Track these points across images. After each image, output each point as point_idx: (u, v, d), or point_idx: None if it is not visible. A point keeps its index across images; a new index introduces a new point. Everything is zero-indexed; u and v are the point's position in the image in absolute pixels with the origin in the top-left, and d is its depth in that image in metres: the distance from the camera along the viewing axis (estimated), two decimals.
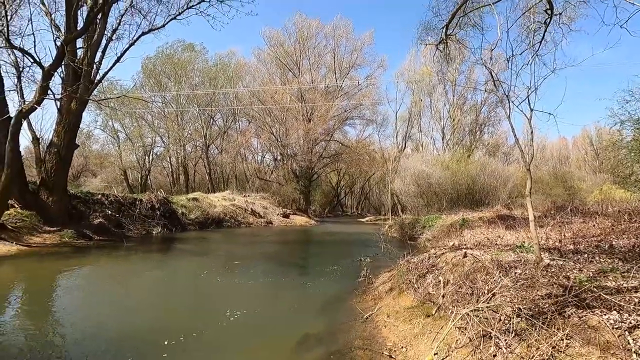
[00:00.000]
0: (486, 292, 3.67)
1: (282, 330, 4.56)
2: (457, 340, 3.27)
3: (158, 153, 36.06)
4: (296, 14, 35.09)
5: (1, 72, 10.44)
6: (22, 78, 10.68)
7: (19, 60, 10.61)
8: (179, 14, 13.30)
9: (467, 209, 15.32)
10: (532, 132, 4.59)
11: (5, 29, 9.63)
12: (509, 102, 4.41)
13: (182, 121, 33.71)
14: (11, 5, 10.08)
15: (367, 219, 32.17)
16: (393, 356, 3.56)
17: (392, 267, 7.29)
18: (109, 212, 13.91)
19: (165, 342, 3.91)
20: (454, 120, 29.68)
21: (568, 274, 3.72)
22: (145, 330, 4.45)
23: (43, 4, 11.68)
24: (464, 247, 6.24)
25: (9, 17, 9.67)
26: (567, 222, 7.61)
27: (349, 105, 34.82)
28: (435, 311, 4.07)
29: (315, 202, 39.79)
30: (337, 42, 33.99)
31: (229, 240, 15.17)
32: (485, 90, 25.04)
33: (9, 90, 10.73)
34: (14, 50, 9.95)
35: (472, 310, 3.31)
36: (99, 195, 14.84)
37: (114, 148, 34.05)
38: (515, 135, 4.68)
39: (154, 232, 14.66)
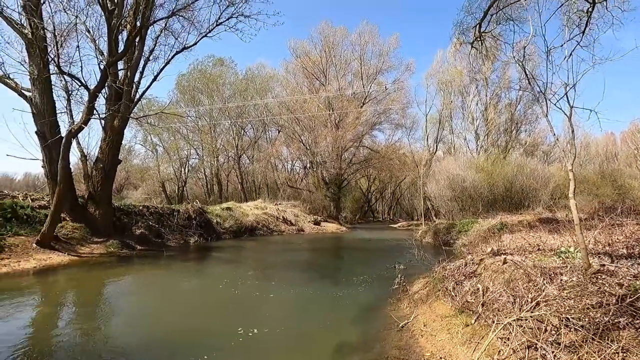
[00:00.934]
0: (529, 300, 3.49)
1: (317, 338, 4.56)
2: (499, 351, 3.12)
3: (193, 165, 37.59)
4: (322, 22, 35.47)
5: (54, 96, 11.34)
6: (71, 100, 11.60)
7: (68, 84, 11.51)
8: (209, 31, 13.94)
9: (505, 212, 14.64)
10: (572, 130, 4.33)
11: (57, 57, 10.52)
12: (545, 100, 4.20)
13: (215, 133, 34.96)
14: (62, 36, 11.00)
15: (399, 224, 31.56)
16: None
17: (427, 274, 7.10)
18: (150, 222, 14.62)
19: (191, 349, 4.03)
20: (487, 120, 28.61)
21: (621, 280, 3.46)
22: (184, 334, 4.61)
23: (88, 31, 12.63)
24: (504, 252, 5.96)
25: (59, 47, 10.56)
26: (618, 224, 7.06)
27: (377, 110, 34.59)
28: (475, 320, 3.91)
29: (346, 208, 39.62)
30: (363, 48, 34.00)
31: (262, 248, 15.44)
32: (520, 89, 24.03)
33: (61, 113, 11.64)
34: (64, 75, 10.82)
35: (515, 320, 3.15)
36: (140, 207, 15.64)
37: (153, 161, 35.89)
38: (554, 134, 4.44)
39: (191, 241, 15.21)
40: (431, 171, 26.05)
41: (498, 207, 16.46)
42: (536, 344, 2.86)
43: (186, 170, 36.57)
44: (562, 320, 2.92)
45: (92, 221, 12.27)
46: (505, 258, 5.03)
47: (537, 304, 3.39)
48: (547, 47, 4.58)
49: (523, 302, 3.52)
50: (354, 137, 32.55)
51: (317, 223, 25.16)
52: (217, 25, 13.99)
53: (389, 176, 40.76)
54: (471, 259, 5.88)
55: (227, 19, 13.96)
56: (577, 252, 4.96)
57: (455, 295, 4.79)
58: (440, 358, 3.56)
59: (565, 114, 4.14)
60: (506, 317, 3.37)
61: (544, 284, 3.67)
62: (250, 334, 4.54)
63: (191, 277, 9.04)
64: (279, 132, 37.22)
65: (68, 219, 11.65)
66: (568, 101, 4.16)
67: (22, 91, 11.03)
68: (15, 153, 15.82)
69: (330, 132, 30.92)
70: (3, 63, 10.77)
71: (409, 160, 36.89)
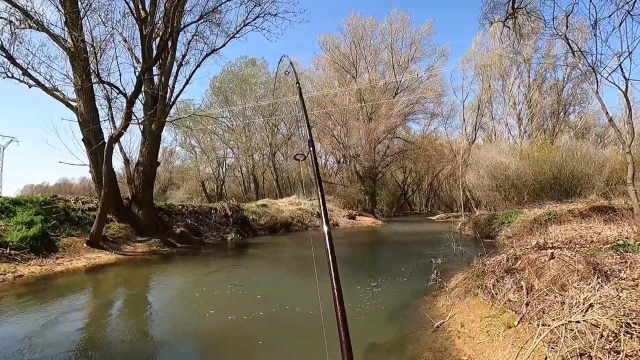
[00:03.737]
0: (581, 301, 3.11)
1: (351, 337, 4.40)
2: (546, 358, 2.80)
3: (230, 164, 38.75)
4: (350, 14, 34.92)
5: (96, 104, 12.04)
6: (112, 108, 12.24)
7: (108, 92, 12.15)
8: (237, 32, 14.13)
9: (553, 201, 13.55)
10: (629, 106, 3.80)
11: (97, 68, 11.14)
12: (595, 75, 3.71)
13: (249, 132, 35.72)
14: (100, 47, 11.63)
15: (437, 216, 30.52)
16: None
17: (466, 269, 6.71)
18: (189, 221, 15.20)
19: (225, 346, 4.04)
20: (531, 103, 26.68)
21: None
22: (227, 330, 4.67)
23: (125, 41, 13.27)
24: (551, 246, 5.45)
25: (98, 57, 11.17)
26: None
27: (411, 100, 33.51)
28: (518, 322, 3.57)
29: (381, 201, 38.96)
30: (393, 37, 33.07)
31: (297, 243, 15.53)
32: (567, 65, 22.12)
33: (103, 120, 12.35)
34: (104, 84, 11.43)
35: (564, 324, 2.81)
36: (180, 207, 16.31)
37: (192, 162, 37.43)
38: (607, 113, 3.94)
39: (228, 238, 15.64)
40: (470, 160, 24.83)
41: (545, 196, 15.30)
42: (589, 352, 2.52)
43: (223, 170, 37.79)
44: (622, 326, 2.55)
45: (136, 221, 12.95)
46: (552, 253, 4.57)
47: (591, 305, 3.00)
48: (595, 18, 4.06)
49: (574, 303, 3.14)
50: (387, 128, 31.84)
51: (352, 217, 24.96)
52: (244, 25, 14.16)
53: (426, 167, 39.53)
54: (514, 253, 5.43)
55: (254, 19, 14.09)
56: (638, 245, 4.41)
57: (496, 294, 4.43)
58: None
59: (620, 89, 3.64)
60: (554, 320, 3.03)
61: (599, 283, 3.26)
62: (286, 330, 4.49)
63: (228, 272, 9.28)
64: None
65: (114, 219, 12.37)
66: (623, 73, 3.65)
67: (69, 102, 11.80)
68: (67, 160, 17.11)
69: (363, 125, 30.45)
70: (52, 77, 11.59)
71: (447, 150, 35.50)
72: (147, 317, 5.59)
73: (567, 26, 3.92)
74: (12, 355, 3.92)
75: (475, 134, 32.72)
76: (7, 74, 11.13)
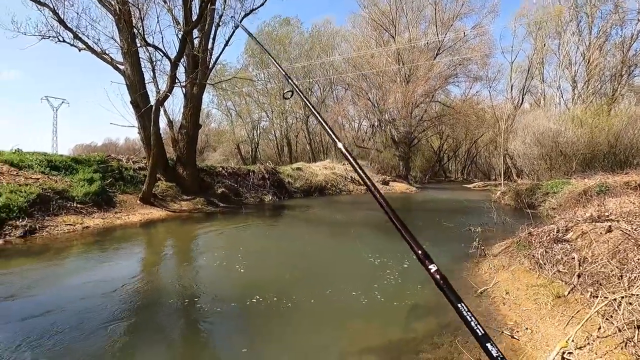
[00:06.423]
0: None
1: (390, 297, 4.60)
2: (599, 329, 2.82)
3: (264, 127, 39.14)
4: None
5: (142, 68, 12.40)
6: (155, 71, 12.56)
7: (152, 55, 12.43)
8: None
9: (606, 171, 12.72)
10: None
11: (141, 29, 11.35)
12: None
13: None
14: (143, 7, 11.75)
15: (474, 184, 29.64)
16: (516, 337, 3.29)
17: (509, 238, 6.63)
18: (229, 182, 15.85)
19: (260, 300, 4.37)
20: (590, 63, 24.25)
21: None
22: (261, 283, 5.04)
23: (165, 1, 13.29)
24: (605, 217, 5.22)
25: (142, 19, 11.34)
26: None
27: (453, 61, 31.47)
28: (569, 292, 3.57)
29: (416, 168, 38.25)
30: None
31: (332, 206, 15.87)
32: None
33: (148, 83, 12.74)
34: (148, 47, 11.67)
35: (623, 297, 2.79)
36: (219, 168, 16.96)
37: (228, 125, 38.19)
38: None
39: (265, 200, 16.23)
40: (514, 126, 23.47)
41: (597, 166, 14.36)
42: None
43: (258, 132, 38.31)
44: None
45: (181, 181, 13.69)
46: (610, 225, 4.41)
47: None
48: None
49: (633, 277, 3.08)
50: (426, 91, 30.39)
51: (385, 183, 24.85)
52: None
53: (464, 133, 37.83)
54: (565, 224, 5.28)
55: None
56: None
57: (544, 264, 4.40)
58: (526, 329, 3.36)
59: None
60: (611, 293, 3.00)
61: None
62: (328, 292, 4.77)
63: (269, 231, 9.85)
64: (345, 91, 36.43)
65: (162, 179, 13.14)
66: None
67: (117, 65, 12.24)
68: (117, 122, 18.05)
69: (400, 88, 29.24)
70: (99, 40, 11.99)
71: (489, 116, 33.59)
72: (192, 267, 6.13)
73: None
74: (91, 289, 4.49)
75: (522, 98, 30.61)
76: (58, 38, 11.65)
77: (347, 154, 1.41)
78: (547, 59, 28.12)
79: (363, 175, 1.31)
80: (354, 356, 3.24)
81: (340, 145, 1.45)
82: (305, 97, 1.84)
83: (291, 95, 2.01)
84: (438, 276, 0.96)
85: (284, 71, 2.11)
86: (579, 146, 15.65)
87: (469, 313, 0.87)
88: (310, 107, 1.70)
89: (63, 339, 3.35)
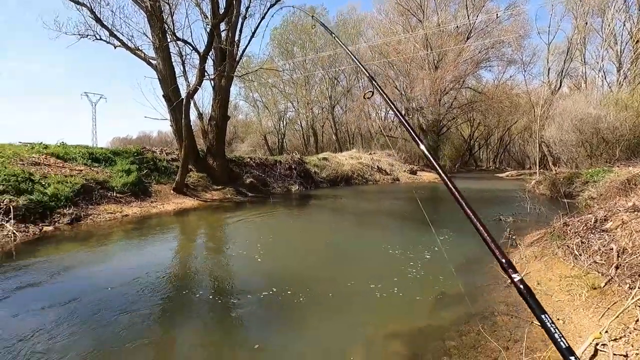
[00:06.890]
0: None
1: (418, 286, 4.62)
2: (637, 321, 2.72)
3: (290, 117, 39.41)
4: None
5: (172, 62, 12.81)
6: (185, 65, 12.95)
7: (181, 50, 12.80)
8: None
9: None
10: None
11: (171, 24, 11.70)
12: None
13: (309, 85, 35.50)
14: (173, 1, 12.08)
15: (506, 173, 28.55)
16: None
17: (542, 228, 6.41)
18: (257, 172, 16.20)
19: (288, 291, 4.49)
20: (638, 42, 22.42)
21: None
22: (290, 270, 5.20)
23: None
24: None
25: (172, 14, 11.68)
26: None
27: (485, 44, 30.10)
28: (606, 284, 3.44)
29: (445, 156, 37.29)
30: None
31: (358, 196, 15.86)
32: None
33: (179, 76, 13.17)
34: (178, 42, 12.03)
35: None
36: (247, 159, 17.34)
37: (255, 116, 38.76)
38: None
39: (292, 189, 16.48)
40: (551, 112, 22.23)
41: None
42: None
43: (284, 123, 38.65)
44: None
45: (211, 171, 14.14)
46: None
47: None
48: None
49: None
50: (455, 77, 29.39)
51: (413, 172, 24.48)
52: None
53: (497, 120, 36.38)
54: (604, 214, 5.03)
55: None
56: None
57: (580, 254, 4.24)
58: (559, 319, 3.29)
59: None
60: None
61: None
62: (351, 283, 4.85)
63: (296, 220, 10.07)
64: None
65: (193, 169, 13.64)
66: None
67: (149, 60, 12.71)
68: (150, 115, 18.83)
69: (428, 75, 28.44)
70: (132, 36, 12.48)
71: (523, 101, 32.01)
72: (222, 255, 6.37)
73: None
74: (133, 272, 4.82)
75: (561, 82, 28.84)
76: (95, 36, 12.24)
77: (429, 155, 1.43)
78: (589, 38, 26.26)
79: (445, 179, 1.33)
80: (380, 340, 3.31)
81: (422, 147, 1.48)
82: (387, 97, 1.88)
83: (372, 95, 2.07)
84: (522, 286, 0.94)
85: (367, 71, 2.17)
86: (623, 131, 14.65)
87: (552, 325, 0.85)
88: (392, 106, 1.76)
89: (112, 306, 3.64)
